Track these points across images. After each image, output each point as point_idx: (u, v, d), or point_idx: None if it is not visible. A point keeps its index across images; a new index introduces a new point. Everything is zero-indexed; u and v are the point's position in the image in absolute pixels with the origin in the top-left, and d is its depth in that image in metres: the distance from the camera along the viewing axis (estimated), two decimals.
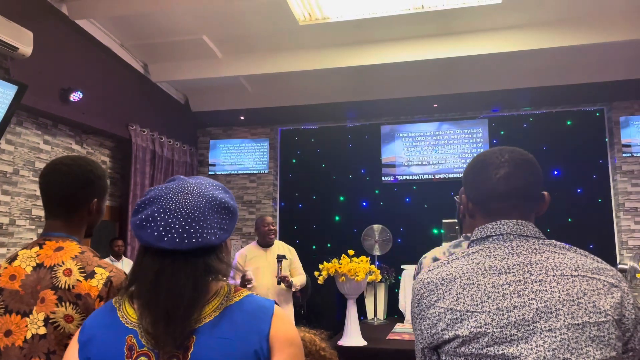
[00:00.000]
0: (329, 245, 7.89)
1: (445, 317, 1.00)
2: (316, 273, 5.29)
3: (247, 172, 8.03)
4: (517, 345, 0.93)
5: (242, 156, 8.07)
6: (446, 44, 5.65)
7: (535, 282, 0.97)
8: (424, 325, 1.04)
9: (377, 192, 7.89)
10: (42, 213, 5.03)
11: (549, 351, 0.91)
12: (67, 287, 1.35)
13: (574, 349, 0.91)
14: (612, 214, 7.02)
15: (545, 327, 0.93)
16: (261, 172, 8.00)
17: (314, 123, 8.09)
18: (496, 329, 0.94)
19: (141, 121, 6.34)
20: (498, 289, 0.98)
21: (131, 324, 0.97)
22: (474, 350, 0.95)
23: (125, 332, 0.96)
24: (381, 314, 6.64)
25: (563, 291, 0.95)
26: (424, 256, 1.87)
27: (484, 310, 0.96)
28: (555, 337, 0.92)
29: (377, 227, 6.96)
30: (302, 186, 8.16)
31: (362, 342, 4.62)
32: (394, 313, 7.08)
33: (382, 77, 6.51)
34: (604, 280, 0.97)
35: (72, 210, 1.48)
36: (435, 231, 7.43)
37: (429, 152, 7.64)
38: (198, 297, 0.95)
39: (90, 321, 1.02)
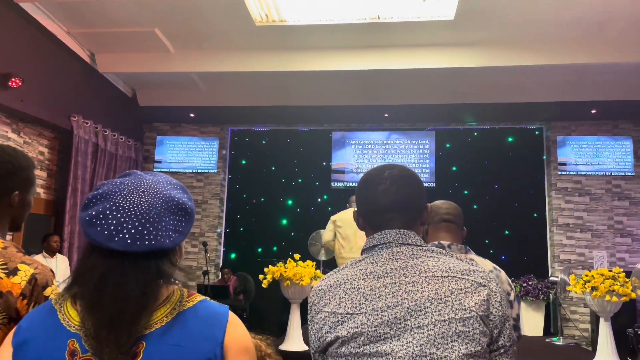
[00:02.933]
0: (274, 248, 7.85)
1: (328, 321, 1.05)
2: (261, 276, 5.24)
3: (195, 170, 7.86)
4: (390, 343, 0.98)
5: (189, 154, 7.90)
6: (399, 56, 5.78)
7: (409, 283, 1.03)
8: (313, 330, 1.10)
9: (325, 197, 7.93)
10: None
11: (417, 347, 0.97)
12: None
13: (440, 344, 0.97)
14: (546, 229, 7.38)
15: (415, 324, 0.99)
16: (209, 171, 7.86)
17: (266, 125, 8.04)
18: (371, 328, 1.00)
19: (85, 112, 6.08)
20: (375, 291, 1.04)
21: (74, 327, 0.91)
22: (352, 349, 1.00)
23: (67, 336, 0.90)
24: None
25: (432, 291, 1.02)
26: None
27: (361, 311, 1.02)
28: (424, 333, 0.98)
29: (323, 232, 6.98)
30: (251, 188, 8.08)
31: (303, 347, 4.61)
32: None
33: (335, 84, 6.56)
34: (472, 280, 1.04)
35: None
36: None
37: (378, 160, 7.77)
38: (147, 302, 0.90)
39: (27, 322, 0.95)
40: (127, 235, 0.90)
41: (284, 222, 7.94)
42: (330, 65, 5.91)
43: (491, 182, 7.58)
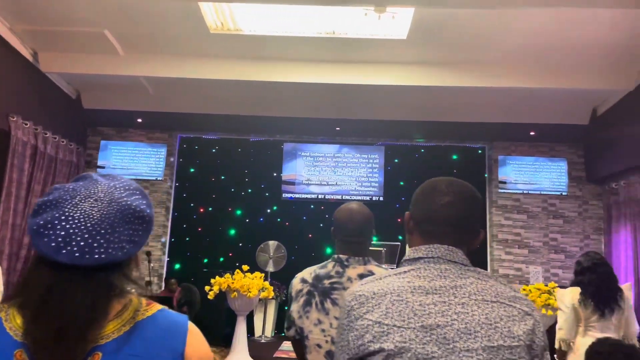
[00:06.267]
0: (221, 259, 7.71)
1: (372, 330, 1.03)
2: (207, 288, 5.14)
3: (140, 177, 7.61)
4: None
5: (135, 161, 7.66)
6: (351, 71, 5.88)
7: (459, 304, 1.04)
8: (351, 336, 1.07)
9: (275, 208, 7.90)
10: None
11: None
12: None
13: None
14: (486, 244, 7.67)
15: (463, 347, 1.00)
16: (155, 179, 7.64)
17: (217, 133, 7.94)
18: (419, 345, 0.99)
19: (24, 113, 5.77)
20: (424, 307, 1.04)
21: (21, 337, 0.86)
22: None
23: (14, 346, 0.85)
24: (269, 332, 6.60)
25: (482, 315, 1.03)
26: (295, 276, 1.90)
27: (409, 326, 1.01)
28: (472, 357, 0.99)
29: (272, 243, 6.95)
30: (199, 197, 7.92)
31: None
32: (282, 331, 7.07)
33: (289, 95, 6.58)
34: (519, 308, 1.06)
35: None
36: (328, 250, 7.58)
37: (329, 173, 7.83)
38: (95, 318, 0.87)
39: None
40: (75, 248, 0.86)
41: (232, 232, 7.83)
42: (284, 76, 5.93)
43: None
